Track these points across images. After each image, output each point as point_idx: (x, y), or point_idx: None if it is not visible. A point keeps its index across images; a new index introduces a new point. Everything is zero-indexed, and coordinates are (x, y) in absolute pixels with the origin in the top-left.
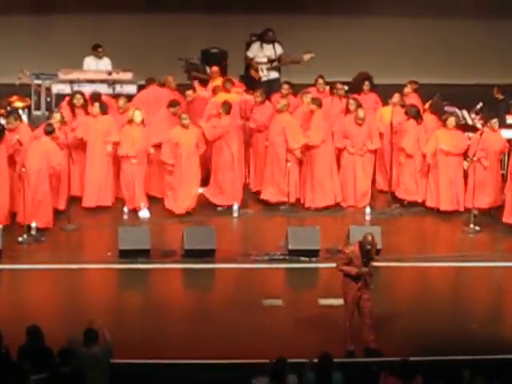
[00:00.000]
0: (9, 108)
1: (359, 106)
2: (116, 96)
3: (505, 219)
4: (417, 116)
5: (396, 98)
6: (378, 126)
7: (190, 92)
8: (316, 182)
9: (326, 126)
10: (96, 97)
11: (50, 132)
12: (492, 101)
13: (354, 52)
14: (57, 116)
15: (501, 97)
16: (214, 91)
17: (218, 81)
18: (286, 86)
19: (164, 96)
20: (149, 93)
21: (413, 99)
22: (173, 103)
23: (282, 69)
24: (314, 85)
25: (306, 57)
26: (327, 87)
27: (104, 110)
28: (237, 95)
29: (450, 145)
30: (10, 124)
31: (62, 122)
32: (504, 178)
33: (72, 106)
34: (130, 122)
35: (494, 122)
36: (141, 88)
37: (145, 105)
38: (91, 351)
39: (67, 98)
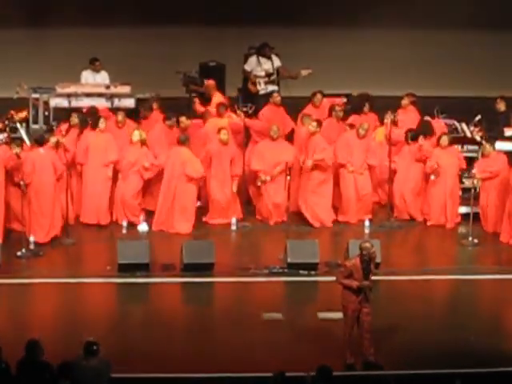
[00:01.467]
0: (7, 122)
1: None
2: (114, 110)
3: (502, 239)
4: (412, 139)
5: (388, 117)
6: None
7: (183, 118)
8: (311, 199)
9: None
10: (93, 112)
11: (40, 142)
12: (492, 113)
13: (352, 65)
14: (52, 140)
15: (503, 108)
16: (204, 118)
17: (217, 97)
18: (275, 94)
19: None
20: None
21: (410, 112)
22: (168, 116)
23: (280, 82)
24: (311, 99)
25: (304, 72)
26: (324, 99)
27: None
28: (227, 119)
29: (447, 163)
30: (13, 149)
31: (58, 145)
32: None
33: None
34: (131, 141)
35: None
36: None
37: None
38: (90, 364)
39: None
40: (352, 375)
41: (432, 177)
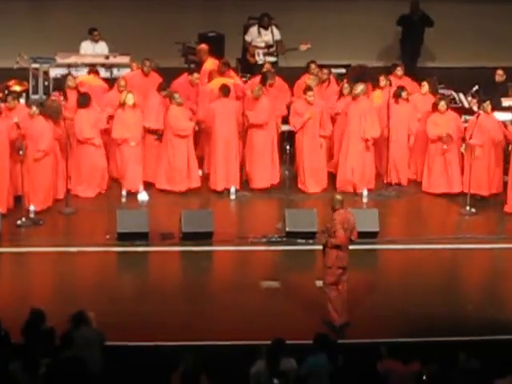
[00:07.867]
0: (6, 92)
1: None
2: (114, 79)
3: (507, 209)
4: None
5: (382, 81)
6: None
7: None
8: (310, 167)
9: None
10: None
11: (32, 113)
12: (489, 83)
13: (349, 35)
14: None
15: (501, 79)
16: (210, 77)
17: (209, 62)
18: (267, 65)
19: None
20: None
21: (406, 81)
22: (162, 86)
23: (279, 54)
24: (306, 70)
25: (303, 47)
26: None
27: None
28: (233, 78)
29: (446, 128)
30: (8, 103)
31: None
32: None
33: (64, 89)
34: (122, 105)
35: (487, 104)
36: None
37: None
38: (81, 334)
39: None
40: (345, 343)
41: (444, 146)
